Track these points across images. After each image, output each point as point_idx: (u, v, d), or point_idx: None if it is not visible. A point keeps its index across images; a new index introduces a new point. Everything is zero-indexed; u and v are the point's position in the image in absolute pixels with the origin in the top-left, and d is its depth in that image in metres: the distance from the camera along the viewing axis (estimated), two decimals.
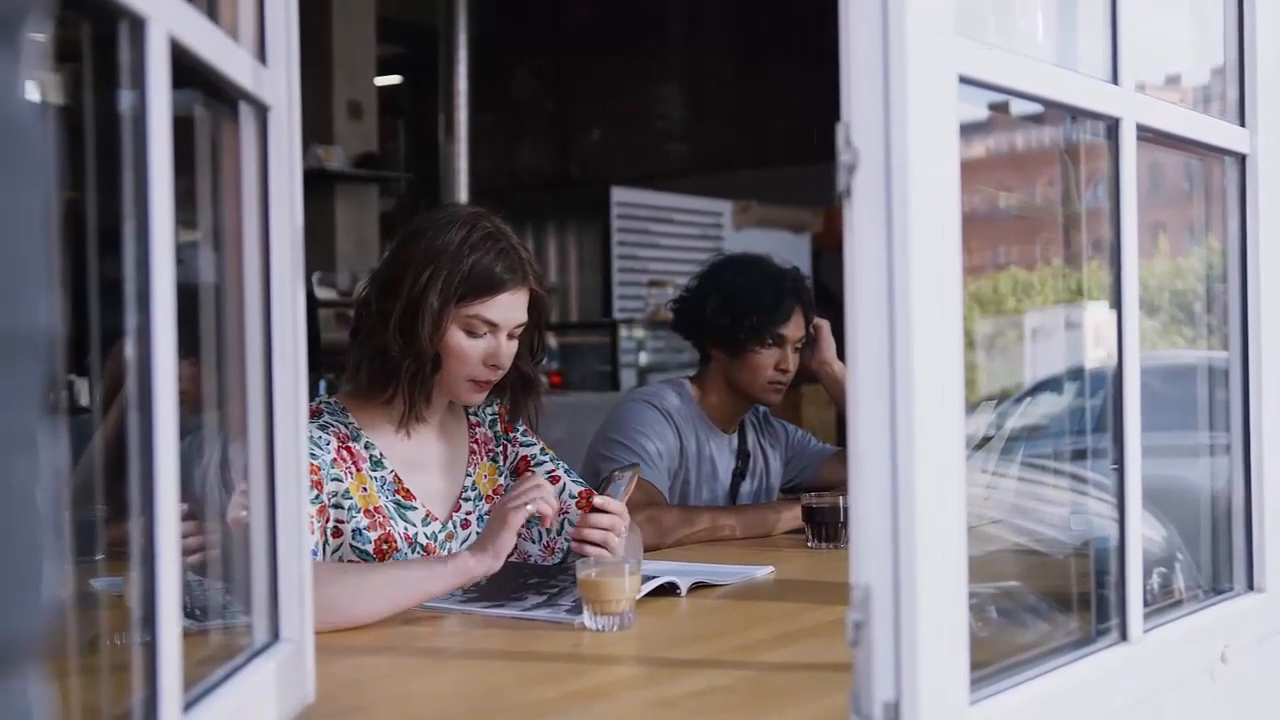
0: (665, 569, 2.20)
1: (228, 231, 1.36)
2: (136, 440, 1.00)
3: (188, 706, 1.09)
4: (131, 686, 1.05)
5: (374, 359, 2.19)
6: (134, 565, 1.03)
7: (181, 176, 1.06)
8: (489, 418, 2.40)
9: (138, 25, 0.99)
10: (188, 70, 1.11)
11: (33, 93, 0.60)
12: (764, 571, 2.35)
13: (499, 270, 2.17)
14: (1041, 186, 2.06)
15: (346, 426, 2.21)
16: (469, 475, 2.33)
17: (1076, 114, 1.56)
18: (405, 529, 2.19)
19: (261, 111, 1.34)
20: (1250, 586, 1.81)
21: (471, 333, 2.17)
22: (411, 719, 1.52)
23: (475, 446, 2.36)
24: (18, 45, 0.57)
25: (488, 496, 2.33)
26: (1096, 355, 1.94)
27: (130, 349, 1.01)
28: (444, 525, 2.26)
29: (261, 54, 1.35)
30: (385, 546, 2.15)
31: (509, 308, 2.19)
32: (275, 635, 1.37)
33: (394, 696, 1.58)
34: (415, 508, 2.22)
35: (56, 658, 0.77)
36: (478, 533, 2.27)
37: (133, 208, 1.00)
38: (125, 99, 1.01)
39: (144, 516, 1.01)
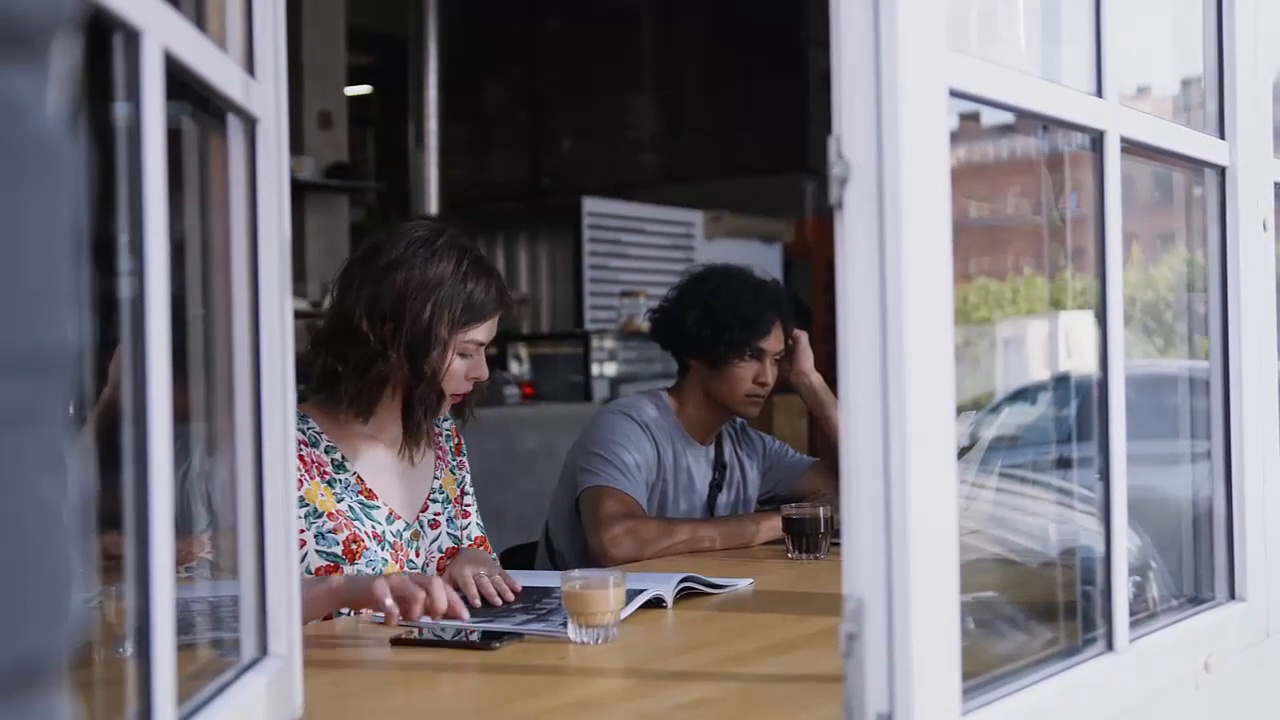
0: (647, 580, 2.20)
1: (215, 243, 1.36)
2: (131, 453, 0.99)
3: None
4: (120, 702, 1.05)
5: (376, 385, 2.25)
6: (127, 580, 1.02)
7: (169, 188, 1.06)
8: (446, 431, 2.49)
9: (132, 37, 0.98)
10: (177, 82, 1.10)
11: (61, 108, 0.59)
12: (745, 584, 2.35)
13: (493, 297, 2.29)
14: (1013, 197, 2.07)
15: (304, 432, 2.25)
16: (436, 478, 2.42)
17: (1062, 127, 1.57)
18: (372, 527, 2.26)
19: (250, 124, 1.34)
20: (1232, 595, 1.82)
21: (463, 355, 2.29)
22: None
23: (440, 453, 2.45)
24: (45, 62, 0.57)
25: (454, 500, 2.43)
26: (1071, 365, 1.95)
27: (125, 361, 1.00)
28: (409, 525, 2.33)
29: (250, 66, 1.34)
30: (354, 546, 2.22)
31: (494, 327, 2.33)
32: (264, 650, 1.36)
33: (381, 711, 1.57)
34: (379, 506, 2.28)
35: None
36: (448, 533, 2.39)
37: (127, 219, 0.99)
38: (119, 110, 1.01)
39: (138, 531, 1.00)
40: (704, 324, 2.98)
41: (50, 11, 0.58)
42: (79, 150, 0.61)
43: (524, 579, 2.29)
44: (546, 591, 2.18)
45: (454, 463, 2.47)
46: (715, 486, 3.12)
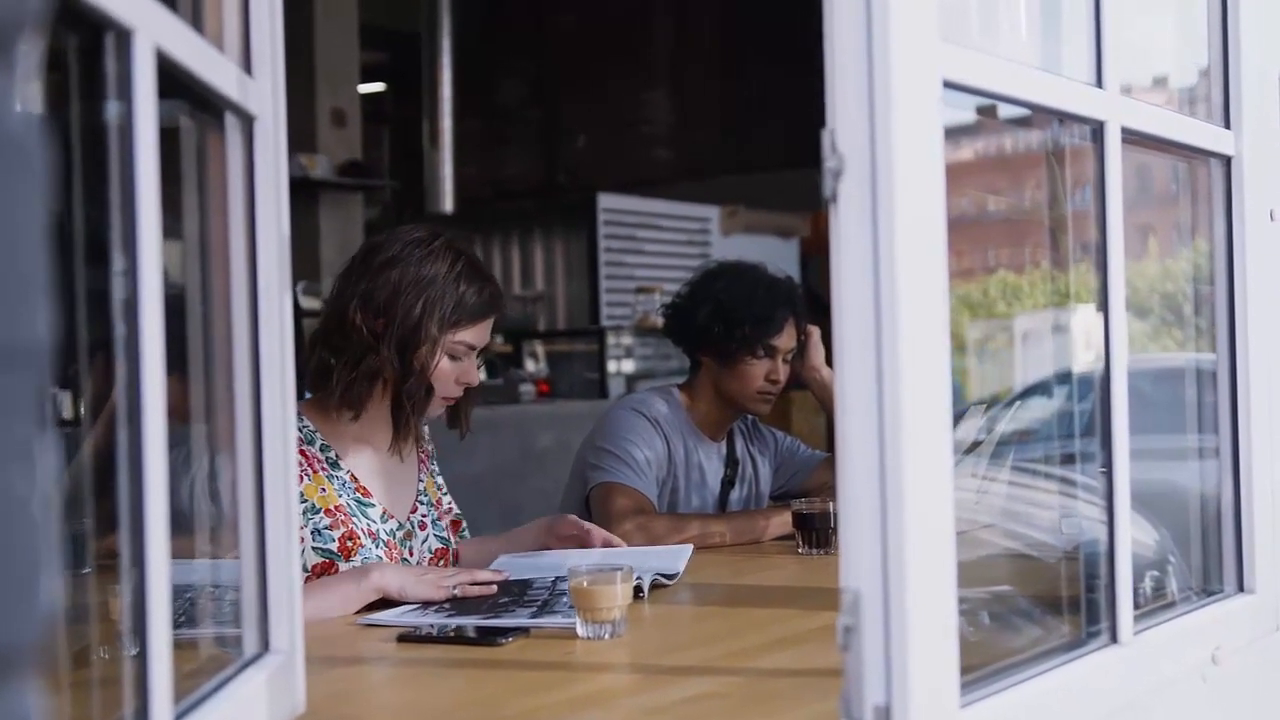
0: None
1: (213, 243, 1.36)
2: (125, 453, 1.00)
3: (179, 717, 1.08)
4: (120, 699, 1.05)
5: (366, 379, 2.27)
6: (123, 578, 1.03)
7: (166, 187, 1.06)
8: (425, 437, 2.54)
9: (124, 36, 0.99)
10: (173, 80, 1.11)
11: (28, 105, 0.60)
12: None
13: (486, 300, 2.32)
14: (1030, 189, 2.06)
15: (300, 431, 2.27)
16: (420, 481, 2.46)
17: (1061, 117, 1.56)
18: (368, 525, 2.29)
19: (247, 122, 1.34)
20: (1240, 588, 1.81)
21: (453, 356, 2.32)
22: None
23: (423, 457, 2.50)
24: (12, 58, 0.58)
25: (435, 504, 2.47)
26: (1086, 359, 1.94)
27: (119, 361, 1.00)
28: (401, 525, 2.37)
29: (247, 65, 1.34)
30: (350, 543, 2.25)
31: (487, 332, 2.36)
32: (265, 646, 1.37)
33: (385, 707, 1.58)
34: (373, 504, 2.32)
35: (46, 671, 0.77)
36: (435, 535, 2.43)
37: (120, 218, 1.00)
38: (111, 109, 1.01)
39: (133, 529, 1.00)
40: (716, 320, 2.97)
41: (16, 11, 0.58)
42: (47, 147, 0.61)
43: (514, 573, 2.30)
44: (527, 586, 2.18)
45: (433, 468, 2.52)
46: (728, 483, 3.12)
